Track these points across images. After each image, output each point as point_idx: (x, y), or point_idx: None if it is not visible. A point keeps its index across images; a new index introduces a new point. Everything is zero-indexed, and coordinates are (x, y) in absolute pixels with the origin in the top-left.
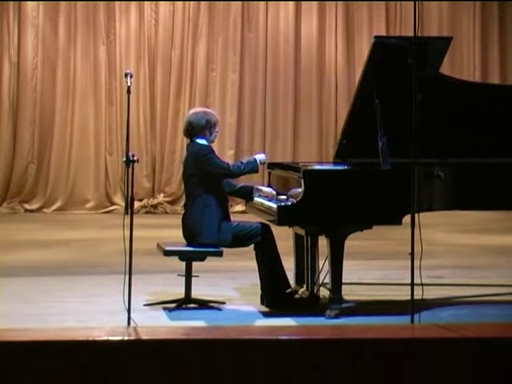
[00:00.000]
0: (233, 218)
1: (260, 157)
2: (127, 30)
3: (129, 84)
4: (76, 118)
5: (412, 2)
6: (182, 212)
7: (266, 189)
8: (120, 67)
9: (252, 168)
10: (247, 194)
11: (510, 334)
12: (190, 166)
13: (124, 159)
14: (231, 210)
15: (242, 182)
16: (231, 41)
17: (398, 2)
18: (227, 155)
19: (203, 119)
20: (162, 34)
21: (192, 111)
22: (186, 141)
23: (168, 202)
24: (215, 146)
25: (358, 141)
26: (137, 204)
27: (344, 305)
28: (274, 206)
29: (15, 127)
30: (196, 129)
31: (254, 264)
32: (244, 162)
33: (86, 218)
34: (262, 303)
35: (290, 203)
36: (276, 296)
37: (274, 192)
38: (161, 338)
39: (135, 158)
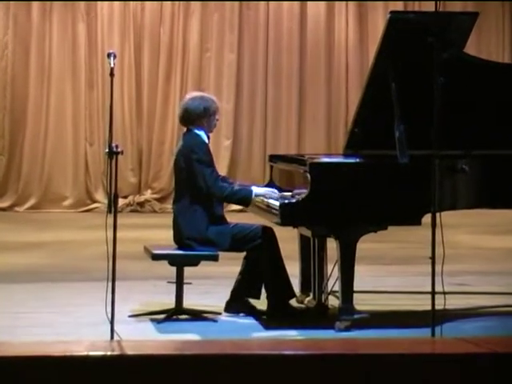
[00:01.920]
0: (230, 217)
1: (260, 191)
2: (110, 5)
3: (112, 65)
4: (52, 104)
5: None
6: (172, 210)
7: (264, 190)
8: (102, 47)
9: (240, 200)
10: (242, 202)
11: None
12: (182, 158)
13: (106, 151)
14: (228, 208)
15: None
16: (228, 17)
17: None
18: (223, 146)
19: (201, 106)
20: (150, 10)
21: (189, 96)
22: (176, 130)
23: (156, 200)
24: (211, 136)
25: (372, 130)
26: (121, 201)
27: (356, 316)
28: (277, 203)
29: None
30: (192, 117)
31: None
32: (233, 192)
33: (64, 217)
34: (227, 311)
35: (294, 200)
36: (278, 306)
37: (275, 193)
38: (148, 353)
39: (119, 150)
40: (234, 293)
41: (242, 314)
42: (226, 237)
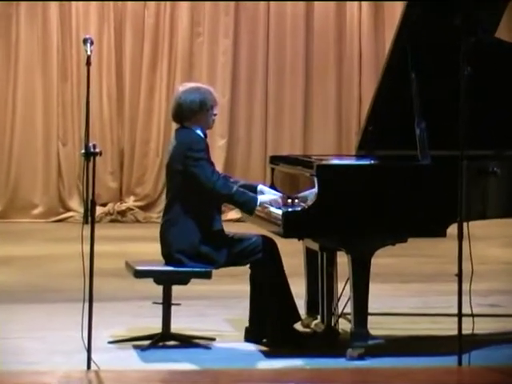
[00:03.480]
0: (225, 227)
1: (265, 199)
2: None
3: (89, 53)
4: (19, 97)
5: None
6: (159, 220)
7: (269, 198)
8: (77, 31)
9: (245, 203)
10: (248, 205)
11: None
12: (178, 158)
13: (82, 151)
14: (222, 217)
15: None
16: None
17: None
18: (217, 145)
19: (197, 100)
20: None
21: (182, 88)
22: (163, 127)
23: (140, 208)
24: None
25: (389, 127)
26: (99, 210)
27: (370, 342)
28: (279, 212)
29: None
30: (186, 113)
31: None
32: (241, 190)
33: (33, 228)
34: (248, 339)
35: (299, 208)
36: (281, 330)
37: (278, 198)
38: None
39: (97, 150)
40: (250, 319)
41: (264, 341)
42: (222, 253)
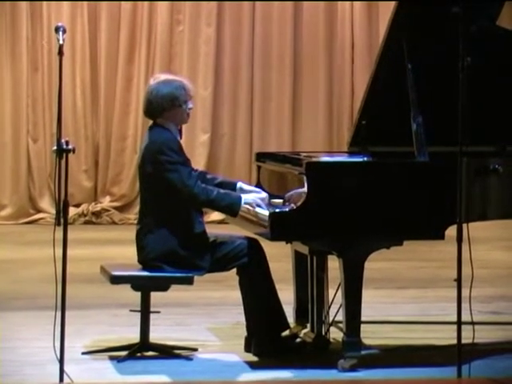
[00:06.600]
0: (208, 229)
1: (249, 198)
2: None
3: (61, 42)
4: None
5: None
6: (136, 224)
7: (252, 197)
8: (48, 18)
9: (227, 207)
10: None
11: None
12: (149, 161)
13: (54, 148)
14: (205, 218)
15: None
16: None
17: None
18: (199, 141)
19: (167, 96)
20: None
21: (153, 82)
22: (141, 122)
23: (116, 209)
24: (184, 129)
25: (383, 122)
26: (72, 211)
27: (364, 352)
28: (266, 212)
29: None
30: (158, 109)
31: (236, 294)
32: (222, 192)
33: (2, 230)
34: (248, 350)
35: (287, 209)
36: (268, 340)
37: (262, 196)
38: None
39: (70, 147)
40: (247, 328)
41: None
42: (205, 258)
